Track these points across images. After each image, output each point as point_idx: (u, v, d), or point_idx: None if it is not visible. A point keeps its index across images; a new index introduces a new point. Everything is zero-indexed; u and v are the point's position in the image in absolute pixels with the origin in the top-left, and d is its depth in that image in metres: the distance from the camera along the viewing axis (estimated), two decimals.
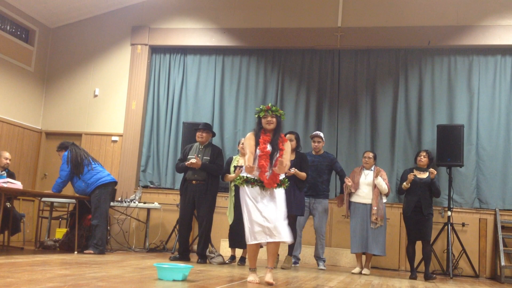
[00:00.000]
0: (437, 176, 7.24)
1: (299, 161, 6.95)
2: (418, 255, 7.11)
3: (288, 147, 5.05)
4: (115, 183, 7.44)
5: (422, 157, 7.15)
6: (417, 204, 6.93)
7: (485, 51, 8.81)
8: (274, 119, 4.96)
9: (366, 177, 7.24)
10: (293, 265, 7.23)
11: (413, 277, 6.91)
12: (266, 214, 4.73)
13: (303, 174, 6.87)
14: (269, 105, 5.03)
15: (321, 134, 7.67)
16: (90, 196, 7.10)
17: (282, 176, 4.95)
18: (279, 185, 4.90)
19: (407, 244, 7.12)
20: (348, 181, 7.19)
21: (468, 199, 8.46)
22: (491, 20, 8.73)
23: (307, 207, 7.40)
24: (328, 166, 7.52)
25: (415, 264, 7.12)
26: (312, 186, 7.39)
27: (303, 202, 7.06)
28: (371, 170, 7.28)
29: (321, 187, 7.47)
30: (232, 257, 7.23)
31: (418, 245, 6.99)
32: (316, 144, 7.55)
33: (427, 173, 7.01)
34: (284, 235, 4.72)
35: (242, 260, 7.05)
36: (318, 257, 7.48)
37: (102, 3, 9.94)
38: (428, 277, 6.79)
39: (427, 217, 6.90)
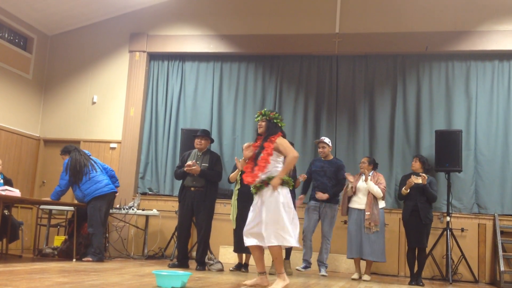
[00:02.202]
0: (435, 181, 7.26)
1: None
2: None
3: (270, 147, 5.03)
4: (114, 193, 7.37)
5: (413, 162, 7.29)
6: (414, 209, 6.95)
7: (482, 57, 8.83)
8: (263, 123, 5.15)
9: (363, 183, 7.26)
10: (303, 269, 7.21)
11: (412, 283, 6.90)
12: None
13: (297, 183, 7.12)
14: (263, 110, 5.20)
15: (326, 140, 7.63)
16: (87, 204, 7.07)
17: (267, 175, 4.96)
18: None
19: (407, 249, 7.12)
20: (350, 177, 7.23)
21: (467, 204, 8.45)
22: (489, 25, 8.75)
23: (317, 212, 7.42)
24: (335, 173, 7.50)
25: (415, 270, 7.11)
26: (323, 190, 7.40)
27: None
28: (369, 175, 7.29)
29: (331, 191, 7.46)
30: (239, 265, 7.10)
31: None
32: (321, 149, 7.57)
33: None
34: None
35: (245, 266, 7.02)
36: (321, 262, 7.44)
37: (100, 10, 9.95)
38: (416, 282, 6.86)
39: (425, 223, 6.90)
